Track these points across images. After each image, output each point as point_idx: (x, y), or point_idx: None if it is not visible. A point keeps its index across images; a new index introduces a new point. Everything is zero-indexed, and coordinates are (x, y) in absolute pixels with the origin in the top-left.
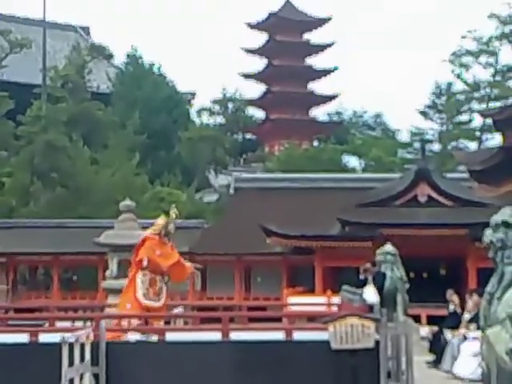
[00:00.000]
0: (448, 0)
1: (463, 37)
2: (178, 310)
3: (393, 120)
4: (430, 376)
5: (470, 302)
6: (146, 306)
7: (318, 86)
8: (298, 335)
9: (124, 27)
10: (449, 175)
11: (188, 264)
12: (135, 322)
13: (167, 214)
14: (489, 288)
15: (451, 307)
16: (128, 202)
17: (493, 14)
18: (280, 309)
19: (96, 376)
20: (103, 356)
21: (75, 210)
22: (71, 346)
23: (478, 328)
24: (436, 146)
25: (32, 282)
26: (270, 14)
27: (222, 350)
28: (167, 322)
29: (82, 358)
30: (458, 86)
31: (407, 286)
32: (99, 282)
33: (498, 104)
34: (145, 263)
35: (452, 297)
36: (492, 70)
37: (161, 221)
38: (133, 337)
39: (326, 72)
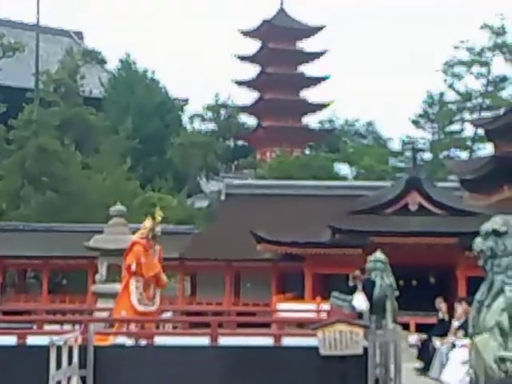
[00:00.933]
0: (440, 10)
1: (456, 47)
2: (167, 315)
3: (384, 129)
4: (418, 383)
5: (459, 310)
6: (142, 312)
7: (310, 94)
8: (286, 341)
9: (117, 33)
10: (440, 184)
11: (164, 277)
12: (131, 326)
13: (153, 217)
14: (478, 296)
15: (440, 315)
16: (119, 206)
17: (485, 24)
18: (269, 315)
19: (83, 379)
20: (91, 359)
21: (66, 214)
22: (59, 348)
23: (467, 335)
24: (427, 155)
25: (21, 285)
26: (263, 21)
27: (211, 355)
28: (156, 327)
29: (70, 361)
30: (450, 95)
31: (397, 293)
32: (89, 285)
33: (489, 114)
34: (133, 267)
35: (440, 304)
36: (484, 81)
37: (147, 224)
38: (121, 340)
39: (318, 80)
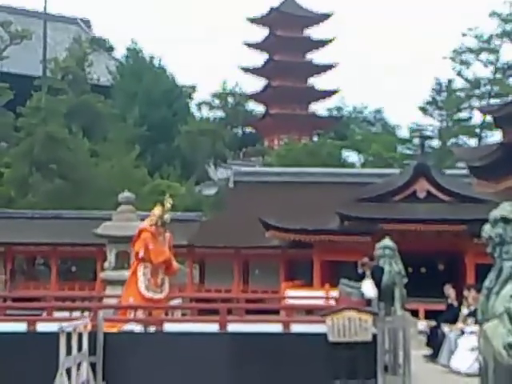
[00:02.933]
0: None
1: (464, 34)
2: (176, 302)
3: (393, 116)
4: (426, 370)
5: (469, 297)
6: (149, 298)
7: (318, 82)
8: (295, 328)
9: (125, 20)
10: (448, 171)
11: (175, 264)
12: (139, 313)
13: (162, 204)
14: (487, 283)
15: (449, 301)
16: (127, 193)
17: (494, 12)
18: (278, 302)
19: (93, 365)
20: (101, 346)
21: (74, 202)
22: (69, 335)
23: (476, 322)
24: (435, 143)
25: (30, 273)
26: (271, 8)
27: (220, 342)
28: (165, 313)
29: (80, 348)
30: (459, 82)
31: (405, 280)
32: (98, 272)
33: (498, 101)
34: (141, 254)
35: (449, 291)
36: (492, 68)
37: (156, 211)
38: (131, 327)
39: (326, 67)
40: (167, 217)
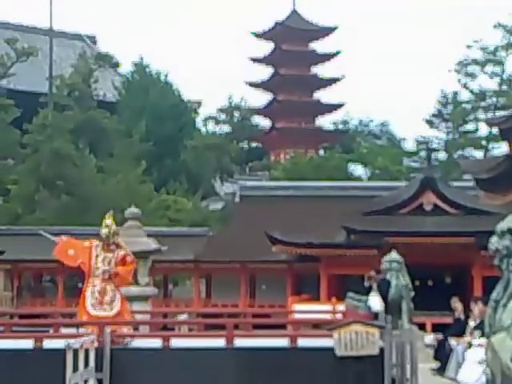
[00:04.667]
0: (454, 10)
1: (469, 46)
2: (182, 317)
3: (399, 129)
4: (434, 383)
5: (476, 310)
6: (96, 317)
7: (324, 95)
8: (302, 342)
9: (130, 36)
10: (455, 184)
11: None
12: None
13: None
14: (494, 295)
15: (456, 315)
16: (133, 209)
17: (499, 23)
18: (285, 316)
19: (100, 382)
20: (107, 362)
21: (81, 218)
22: (76, 351)
23: (483, 335)
24: (442, 155)
25: (37, 289)
26: (276, 23)
27: (227, 357)
28: (172, 329)
29: (87, 364)
30: (464, 95)
31: (412, 293)
32: None
33: (504, 113)
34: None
35: (456, 304)
36: (498, 80)
37: (104, 229)
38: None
39: (332, 81)
40: (104, 231)
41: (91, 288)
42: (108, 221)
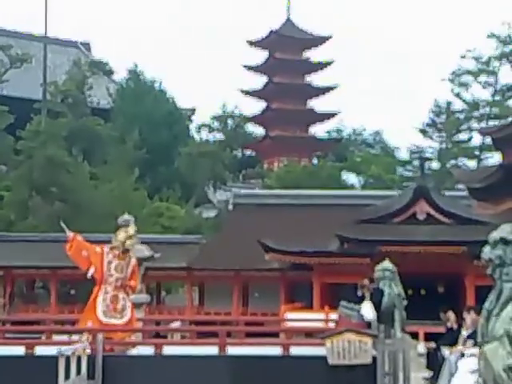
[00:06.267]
0: (448, 19)
1: (462, 56)
2: (175, 325)
3: (392, 138)
4: None
5: (468, 319)
6: (106, 324)
7: (317, 104)
8: (295, 350)
9: (125, 43)
10: (448, 193)
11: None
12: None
13: (126, 230)
14: (487, 304)
15: (448, 324)
16: (127, 216)
17: (492, 33)
18: (277, 324)
19: None
20: (99, 369)
21: (74, 225)
22: (68, 359)
23: (476, 345)
24: (435, 164)
25: (29, 296)
26: (270, 31)
27: (219, 365)
28: (164, 337)
29: (79, 371)
30: (458, 104)
31: (405, 302)
32: None
33: (497, 123)
34: (90, 273)
35: (448, 313)
36: (491, 90)
37: (120, 236)
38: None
39: (325, 89)
40: (129, 243)
41: (103, 295)
42: (131, 230)
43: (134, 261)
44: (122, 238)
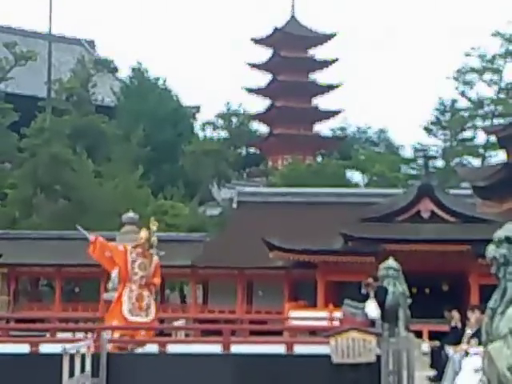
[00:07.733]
0: (452, 17)
1: (467, 54)
2: (179, 323)
3: (397, 136)
4: None
5: (473, 318)
6: (132, 323)
7: (322, 102)
8: (299, 349)
9: (129, 41)
10: (452, 191)
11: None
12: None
13: (148, 227)
14: (491, 303)
15: (453, 323)
16: (131, 214)
17: (497, 31)
18: (281, 323)
19: None
20: (104, 367)
21: (78, 222)
22: (72, 357)
23: (480, 344)
24: (439, 163)
25: (34, 294)
26: (275, 29)
27: (223, 363)
28: (168, 335)
29: (83, 369)
30: (462, 102)
31: (409, 301)
32: (101, 293)
33: (501, 121)
34: (114, 273)
35: (452, 312)
36: (496, 88)
37: (143, 234)
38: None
39: (330, 87)
40: (154, 239)
41: (128, 293)
42: (154, 227)
43: (156, 258)
44: (146, 235)
